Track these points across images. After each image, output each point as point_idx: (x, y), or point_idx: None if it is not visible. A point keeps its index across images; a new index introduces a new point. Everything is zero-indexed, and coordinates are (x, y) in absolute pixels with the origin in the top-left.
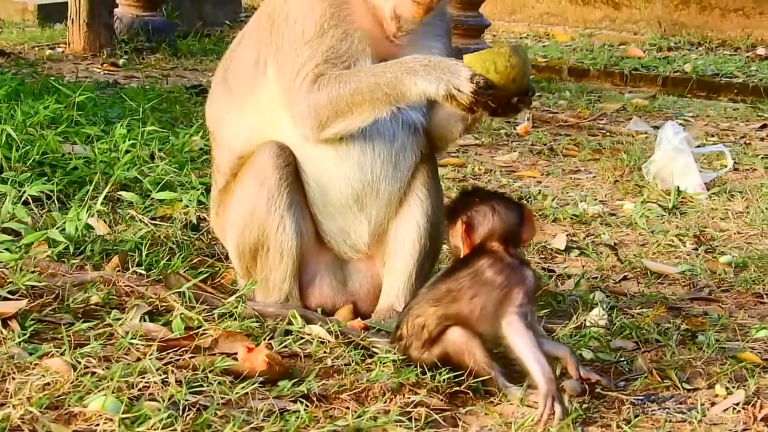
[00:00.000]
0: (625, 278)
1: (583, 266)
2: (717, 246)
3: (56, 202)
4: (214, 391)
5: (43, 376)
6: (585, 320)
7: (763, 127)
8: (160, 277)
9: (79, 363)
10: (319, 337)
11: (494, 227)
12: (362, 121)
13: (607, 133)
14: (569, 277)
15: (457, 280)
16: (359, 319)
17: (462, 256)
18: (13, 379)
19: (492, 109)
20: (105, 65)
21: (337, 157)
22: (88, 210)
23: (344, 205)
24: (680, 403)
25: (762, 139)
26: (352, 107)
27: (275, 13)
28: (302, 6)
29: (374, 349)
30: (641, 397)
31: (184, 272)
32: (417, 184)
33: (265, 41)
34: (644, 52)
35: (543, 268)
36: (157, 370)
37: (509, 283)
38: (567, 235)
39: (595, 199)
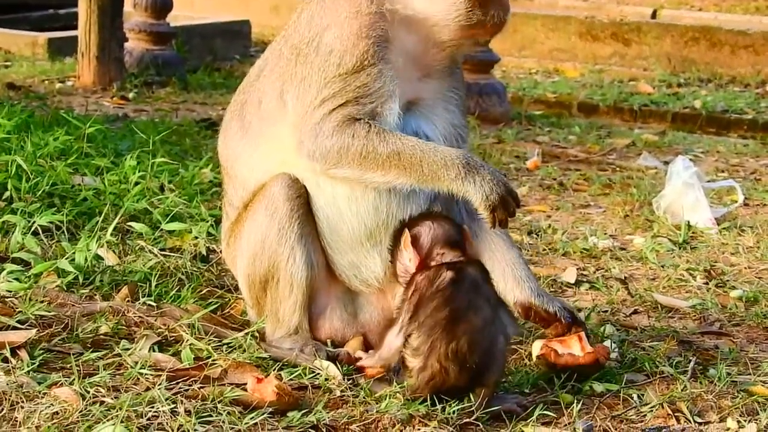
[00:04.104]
0: (635, 312)
1: (594, 300)
2: (727, 280)
3: (66, 232)
4: (224, 422)
5: (51, 405)
6: None
7: None
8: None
9: (88, 392)
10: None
11: (437, 234)
12: (379, 182)
13: (617, 168)
14: (580, 310)
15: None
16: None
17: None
18: (22, 407)
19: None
20: (115, 99)
21: (352, 197)
22: (97, 241)
23: (356, 242)
24: None
25: None
26: (382, 166)
27: (302, 43)
28: (342, 39)
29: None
30: (653, 430)
31: (194, 303)
32: None
33: (289, 72)
34: (654, 88)
35: None
36: (166, 399)
37: None
38: (577, 269)
39: (606, 234)
